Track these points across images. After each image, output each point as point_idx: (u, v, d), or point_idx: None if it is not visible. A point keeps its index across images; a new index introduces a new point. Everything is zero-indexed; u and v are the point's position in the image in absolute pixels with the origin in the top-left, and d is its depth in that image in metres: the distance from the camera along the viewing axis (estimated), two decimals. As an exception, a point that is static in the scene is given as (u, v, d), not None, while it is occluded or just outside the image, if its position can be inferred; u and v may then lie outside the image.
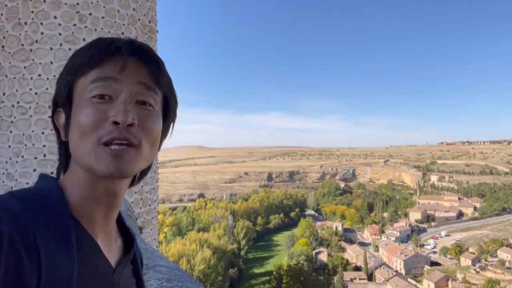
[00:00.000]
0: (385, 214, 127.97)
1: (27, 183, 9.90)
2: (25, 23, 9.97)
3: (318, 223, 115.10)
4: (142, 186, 11.49)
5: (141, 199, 11.45)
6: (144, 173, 0.94)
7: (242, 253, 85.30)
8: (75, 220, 0.77)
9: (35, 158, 9.93)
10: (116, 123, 0.76)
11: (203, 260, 64.26)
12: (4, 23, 10.07)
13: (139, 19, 11.53)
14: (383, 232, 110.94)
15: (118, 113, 0.76)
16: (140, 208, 11.34)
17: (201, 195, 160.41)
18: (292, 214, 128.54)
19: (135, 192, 11.26)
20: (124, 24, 11.00)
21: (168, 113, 0.91)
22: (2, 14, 10.11)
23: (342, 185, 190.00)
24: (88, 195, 0.81)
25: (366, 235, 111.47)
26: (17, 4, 9.95)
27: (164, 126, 0.89)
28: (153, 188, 12.08)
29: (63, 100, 0.83)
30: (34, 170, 9.92)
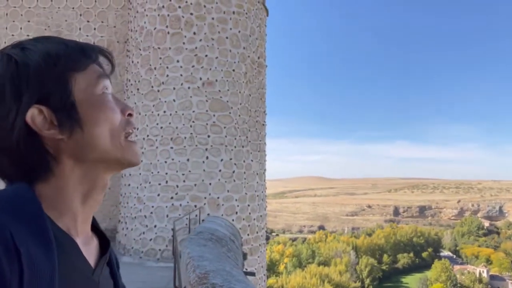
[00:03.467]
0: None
1: (152, 206, 11.25)
2: (155, 68, 11.68)
3: (457, 267, 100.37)
4: (249, 213, 11.88)
5: (249, 226, 11.81)
6: None
7: (366, 292, 79.66)
8: (51, 221, 0.76)
9: (159, 184, 11.26)
10: (130, 115, 0.85)
11: (324, 296, 61.95)
12: (139, 69, 11.99)
13: (248, 56, 12.38)
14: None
15: (128, 107, 0.85)
16: (248, 235, 11.68)
17: (321, 227, 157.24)
18: (424, 254, 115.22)
19: (243, 219, 11.69)
20: (235, 62, 11.95)
21: None
22: (138, 62, 12.08)
23: (486, 224, 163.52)
24: (80, 191, 0.81)
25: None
26: (149, 53, 11.76)
27: None
28: (261, 216, 12.37)
29: (62, 96, 0.78)
30: (158, 195, 11.24)
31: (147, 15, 11.95)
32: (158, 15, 11.71)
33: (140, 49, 12.01)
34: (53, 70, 0.77)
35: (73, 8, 13.82)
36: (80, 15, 13.82)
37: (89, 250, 0.86)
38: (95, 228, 0.94)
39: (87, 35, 13.67)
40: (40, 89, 0.76)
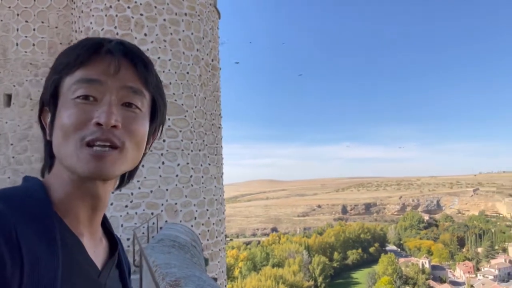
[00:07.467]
0: (480, 250, 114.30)
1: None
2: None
3: (402, 260, 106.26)
4: (209, 218, 11.68)
5: (208, 231, 11.60)
6: (131, 174, 0.93)
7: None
8: (59, 219, 0.76)
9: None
10: (99, 124, 0.76)
11: (279, 297, 62.56)
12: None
13: (202, 59, 12.21)
14: (478, 269, 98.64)
15: (101, 115, 0.76)
16: (208, 240, 11.47)
17: (274, 229, 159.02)
18: (371, 249, 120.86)
19: (202, 224, 11.46)
20: (189, 64, 11.73)
21: (156, 115, 0.89)
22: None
23: (426, 217, 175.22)
24: (73, 193, 0.80)
25: (459, 273, 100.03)
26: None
27: (152, 128, 0.89)
28: (220, 220, 12.21)
29: (48, 99, 0.82)
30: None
31: (93, 15, 11.36)
32: (106, 15, 11.19)
33: (87, 51, 11.37)
34: (51, 75, 0.83)
35: (9, 7, 12.76)
36: (18, 14, 12.79)
37: (97, 252, 0.86)
38: (107, 230, 0.94)
39: (26, 36, 12.68)
40: (43, 94, 0.84)
